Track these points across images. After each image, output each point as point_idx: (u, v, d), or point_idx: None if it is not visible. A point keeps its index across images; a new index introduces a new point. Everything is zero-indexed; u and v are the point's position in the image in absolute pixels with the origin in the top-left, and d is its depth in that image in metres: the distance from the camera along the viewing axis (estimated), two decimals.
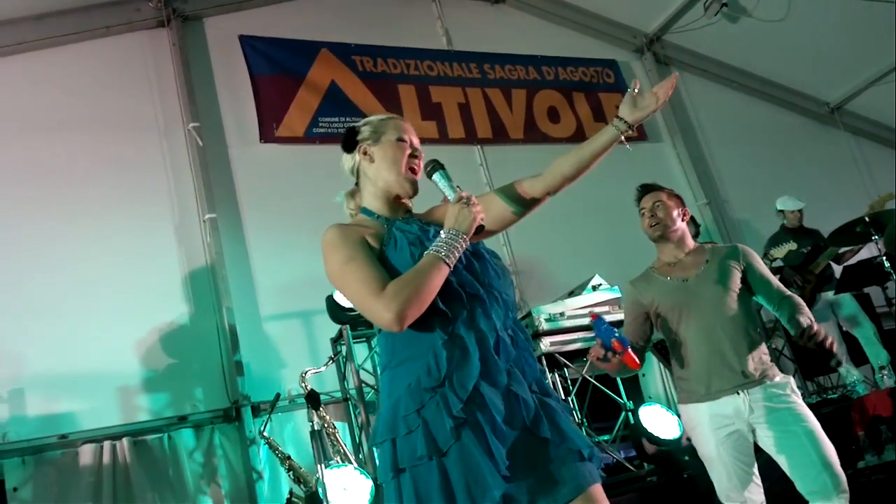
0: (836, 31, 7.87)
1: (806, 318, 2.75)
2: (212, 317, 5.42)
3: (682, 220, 3.04)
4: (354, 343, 5.03)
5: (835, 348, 2.64)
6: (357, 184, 2.15)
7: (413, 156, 2.05)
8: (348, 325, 4.96)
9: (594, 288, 4.79)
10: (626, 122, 1.95)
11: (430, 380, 1.76)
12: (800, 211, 6.25)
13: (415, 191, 2.06)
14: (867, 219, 4.30)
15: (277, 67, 6.51)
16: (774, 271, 5.98)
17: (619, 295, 4.77)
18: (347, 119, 6.60)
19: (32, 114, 5.55)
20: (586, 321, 4.60)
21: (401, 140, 2.06)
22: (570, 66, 8.00)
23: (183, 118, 5.97)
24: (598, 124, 7.67)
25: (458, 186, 1.95)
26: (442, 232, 1.86)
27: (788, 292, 2.92)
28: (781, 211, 6.29)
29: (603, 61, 8.23)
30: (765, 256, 5.85)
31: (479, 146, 7.16)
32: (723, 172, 8.15)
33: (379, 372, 1.96)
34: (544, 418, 1.80)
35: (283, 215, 5.92)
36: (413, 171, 2.04)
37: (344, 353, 5.04)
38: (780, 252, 5.69)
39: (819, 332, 2.62)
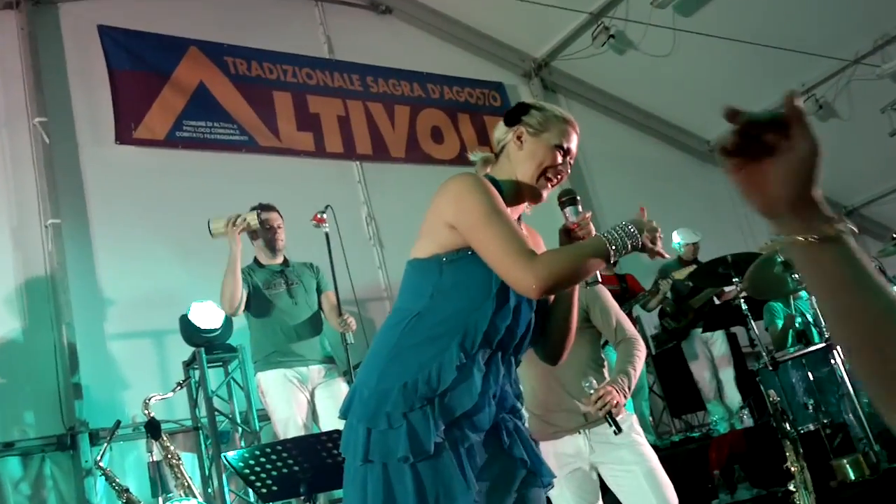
0: (718, 70, 8.49)
1: (622, 373, 2.92)
2: (49, 333, 5.23)
3: None
4: (209, 367, 4.99)
5: (618, 416, 2.75)
6: (497, 155, 2.13)
7: (557, 170, 2.03)
8: (203, 349, 4.92)
9: None
10: None
11: (426, 389, 1.80)
12: (695, 244, 6.68)
13: (537, 202, 2.07)
14: (729, 259, 4.68)
15: (140, 63, 6.39)
16: (663, 298, 6.35)
17: None
18: (215, 124, 6.55)
19: None
20: None
21: (558, 147, 2.03)
22: (457, 86, 8.24)
23: (28, 111, 5.76)
24: (481, 147, 7.89)
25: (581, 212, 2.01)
26: (623, 223, 1.86)
27: (629, 334, 3.09)
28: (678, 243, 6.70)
29: (490, 83, 8.53)
30: (664, 279, 6.17)
31: (358, 162, 7.25)
32: (604, 204, 8.56)
33: (381, 333, 1.96)
34: (518, 441, 1.94)
35: (138, 225, 5.80)
36: (548, 181, 2.04)
37: (197, 378, 4.99)
38: (682, 273, 6.00)
39: (611, 399, 2.74)
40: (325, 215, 4.48)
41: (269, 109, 6.89)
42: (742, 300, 4.70)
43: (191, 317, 4.91)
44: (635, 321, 6.42)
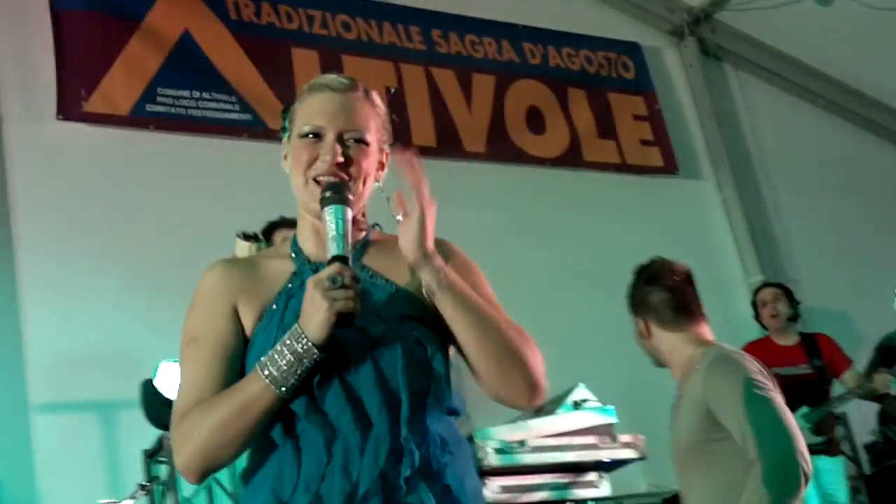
0: None
1: None
2: None
3: (647, 336, 3.18)
4: None
5: None
6: None
7: (316, 168, 1.97)
8: None
9: (576, 405, 4.86)
10: None
11: None
12: None
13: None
14: None
15: (96, 1, 6.49)
16: (879, 397, 6.15)
17: (613, 420, 4.86)
18: (204, 94, 6.62)
19: None
20: (561, 456, 4.69)
21: (307, 136, 1.98)
22: (569, 47, 8.21)
23: None
24: (602, 141, 7.85)
25: (349, 246, 1.86)
26: (286, 337, 1.79)
27: (757, 450, 2.79)
28: None
29: (620, 44, 8.46)
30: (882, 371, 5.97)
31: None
32: (793, 233, 8.39)
33: None
34: None
35: (84, 244, 5.86)
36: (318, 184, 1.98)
37: (165, 476, 4.99)
38: None
39: None
40: None
41: (286, 74, 6.94)
42: None
43: (157, 383, 4.91)
44: (836, 420, 6.23)
